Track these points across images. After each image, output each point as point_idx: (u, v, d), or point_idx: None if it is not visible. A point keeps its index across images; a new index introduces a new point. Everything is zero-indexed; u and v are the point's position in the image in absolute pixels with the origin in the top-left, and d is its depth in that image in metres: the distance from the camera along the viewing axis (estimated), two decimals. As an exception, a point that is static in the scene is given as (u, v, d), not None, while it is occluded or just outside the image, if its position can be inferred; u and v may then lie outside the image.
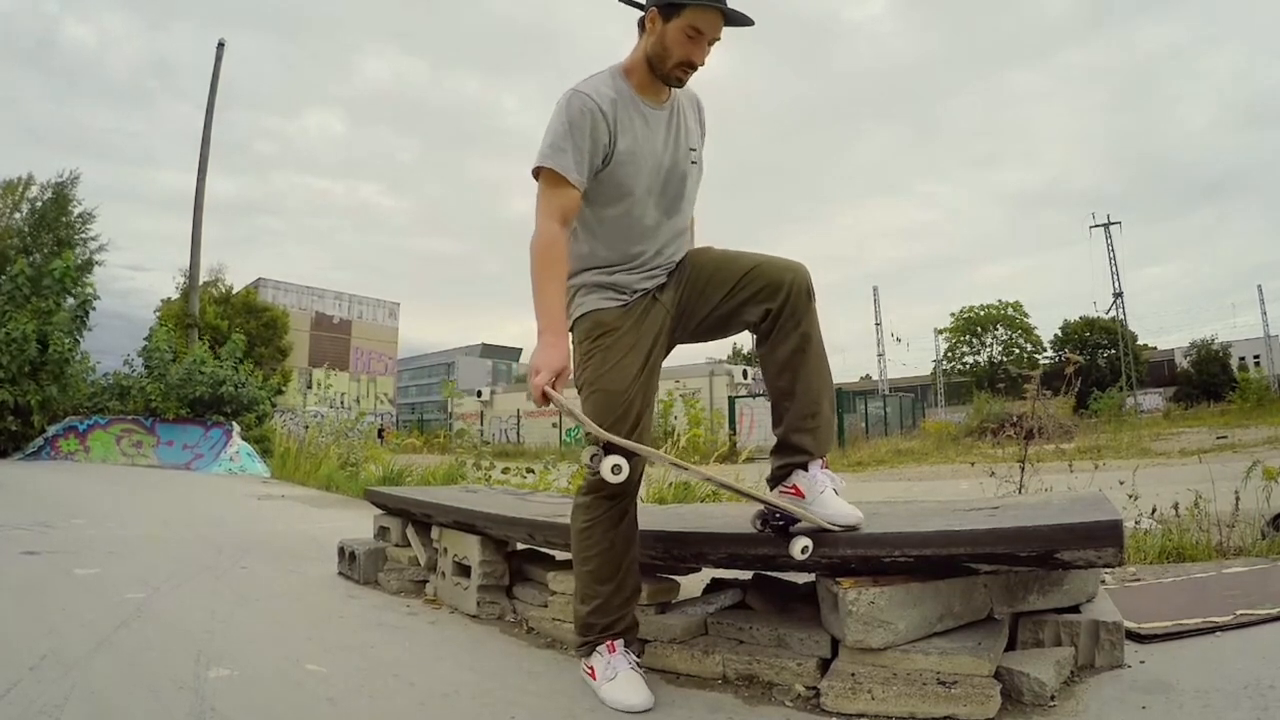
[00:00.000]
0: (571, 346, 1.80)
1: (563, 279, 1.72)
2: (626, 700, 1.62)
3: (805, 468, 1.76)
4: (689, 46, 1.68)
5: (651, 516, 2.29)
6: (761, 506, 1.80)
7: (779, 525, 1.75)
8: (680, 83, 1.75)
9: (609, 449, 1.60)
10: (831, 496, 1.74)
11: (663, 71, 1.73)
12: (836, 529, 1.71)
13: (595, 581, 1.77)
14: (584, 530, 1.78)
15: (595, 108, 1.70)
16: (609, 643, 1.74)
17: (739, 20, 1.69)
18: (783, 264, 1.77)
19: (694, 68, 1.72)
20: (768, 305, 1.74)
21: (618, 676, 1.67)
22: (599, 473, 1.59)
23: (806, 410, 1.76)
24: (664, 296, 1.86)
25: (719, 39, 1.71)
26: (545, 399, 1.58)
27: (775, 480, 1.82)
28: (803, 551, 1.66)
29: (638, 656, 1.78)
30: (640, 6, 1.76)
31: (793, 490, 1.76)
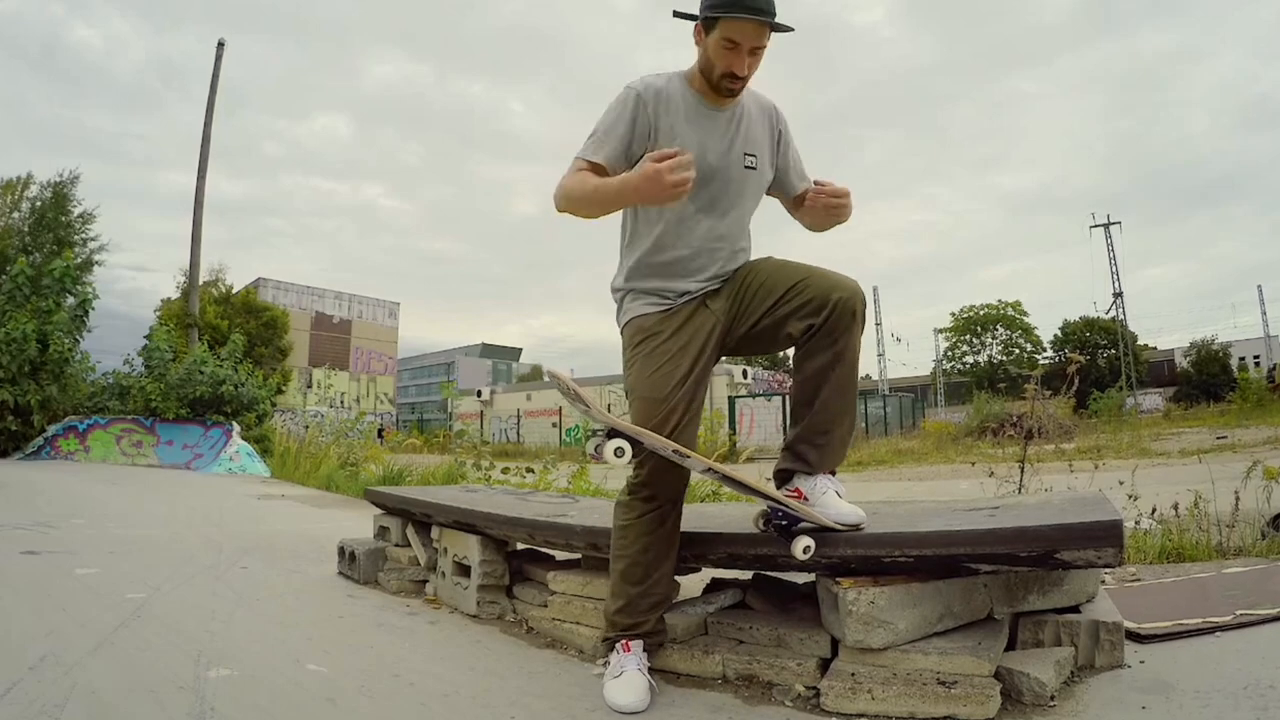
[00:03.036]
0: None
1: (585, 179, 1.70)
2: (618, 699, 1.63)
3: (809, 472, 1.78)
4: (728, 58, 1.68)
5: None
6: (763, 506, 1.81)
7: (781, 525, 1.75)
8: (730, 92, 1.75)
9: (611, 433, 1.59)
10: (834, 497, 1.75)
11: (712, 82, 1.74)
12: (840, 528, 1.71)
13: (624, 581, 1.80)
14: (621, 529, 1.82)
15: (637, 95, 1.75)
16: (625, 641, 1.76)
17: (774, 26, 1.65)
18: (834, 280, 1.72)
19: (736, 78, 1.71)
20: (810, 321, 1.70)
21: (622, 675, 1.69)
22: (603, 458, 1.56)
23: (820, 428, 1.77)
24: (715, 304, 1.83)
25: (762, 47, 1.68)
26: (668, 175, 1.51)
27: (778, 481, 1.83)
28: (805, 551, 1.67)
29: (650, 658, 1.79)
30: (693, 19, 1.76)
31: (795, 492, 1.77)
